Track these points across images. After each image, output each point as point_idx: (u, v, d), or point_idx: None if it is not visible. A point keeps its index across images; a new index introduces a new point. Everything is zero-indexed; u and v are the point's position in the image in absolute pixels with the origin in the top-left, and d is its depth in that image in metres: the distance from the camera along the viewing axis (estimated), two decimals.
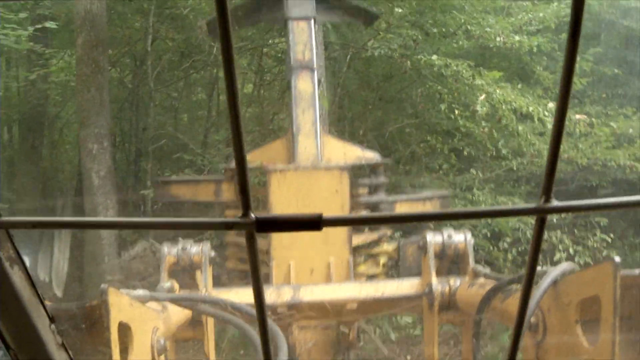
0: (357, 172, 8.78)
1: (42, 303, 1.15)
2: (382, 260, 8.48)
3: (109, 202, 14.72)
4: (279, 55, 19.11)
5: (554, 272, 3.99)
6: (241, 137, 0.85)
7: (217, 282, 8.05)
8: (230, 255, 8.70)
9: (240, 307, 5.33)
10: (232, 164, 8.89)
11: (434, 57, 14.89)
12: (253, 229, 0.87)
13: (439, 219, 0.96)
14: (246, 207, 0.86)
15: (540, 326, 4.09)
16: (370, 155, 8.52)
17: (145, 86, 18.91)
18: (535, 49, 16.21)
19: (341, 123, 17.42)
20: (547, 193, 0.90)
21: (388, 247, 8.57)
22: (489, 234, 14.50)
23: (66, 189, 19.96)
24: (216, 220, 0.89)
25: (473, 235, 12.09)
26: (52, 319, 1.20)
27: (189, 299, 5.40)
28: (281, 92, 19.33)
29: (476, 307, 5.01)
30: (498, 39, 15.63)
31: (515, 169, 15.72)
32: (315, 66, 8.16)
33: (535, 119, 14.77)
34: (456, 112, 15.12)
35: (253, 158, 8.48)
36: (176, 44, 19.31)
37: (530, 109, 14.54)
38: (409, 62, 15.56)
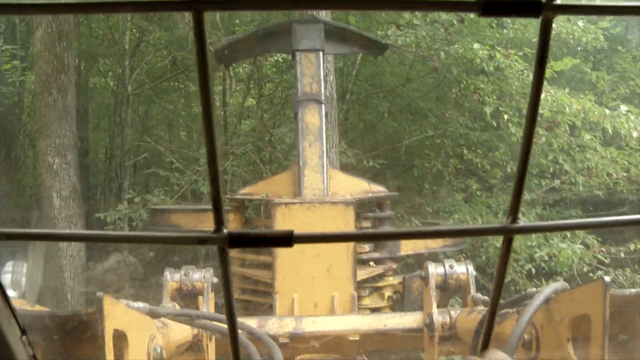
0: (363, 206, 8.78)
1: (14, 314, 1.16)
2: (387, 293, 8.45)
3: (73, 227, 12.51)
4: (280, 63, 18.71)
5: (546, 290, 4.06)
6: (215, 154, 0.86)
7: (219, 311, 8.06)
8: (234, 285, 8.68)
9: (242, 326, 5.37)
10: (237, 194, 8.91)
11: (476, 45, 12.85)
12: (225, 244, 0.88)
13: (408, 237, 0.97)
14: (219, 223, 0.88)
15: (534, 343, 4.13)
16: (377, 189, 8.52)
17: (133, 91, 17.80)
18: (600, 39, 14.19)
19: (350, 134, 16.22)
20: (514, 213, 0.91)
21: (393, 280, 8.55)
22: (534, 271, 12.53)
23: (33, 208, 17.61)
24: (189, 235, 0.90)
25: (515, 271, 11.93)
26: (23, 331, 1.20)
27: (188, 314, 5.41)
28: (281, 104, 19.12)
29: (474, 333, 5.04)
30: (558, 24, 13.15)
31: (580, 188, 13.42)
32: (322, 99, 8.19)
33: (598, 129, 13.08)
34: (505, 116, 13.01)
35: (258, 190, 8.51)
36: (164, 45, 18.14)
37: (595, 114, 12.60)
38: (441, 53, 13.45)
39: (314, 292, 7.33)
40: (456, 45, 13.19)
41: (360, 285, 7.96)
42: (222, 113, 19.76)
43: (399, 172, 15.91)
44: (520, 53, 12.95)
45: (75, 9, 0.82)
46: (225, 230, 0.88)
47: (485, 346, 1.04)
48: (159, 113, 20.40)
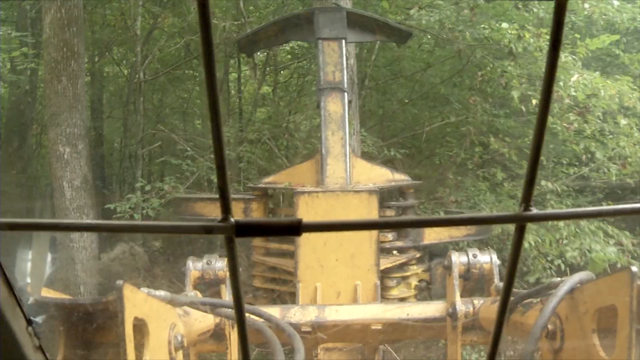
0: (386, 194, 8.76)
1: (20, 305, 1.16)
2: (414, 282, 8.44)
3: (84, 217, 12.13)
4: (295, 50, 18.51)
5: (570, 281, 4.00)
6: (222, 142, 0.85)
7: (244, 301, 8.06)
8: (257, 274, 8.71)
9: (261, 313, 5.37)
10: (260, 183, 8.92)
11: (504, 25, 12.19)
12: (232, 233, 0.87)
13: (421, 225, 0.96)
14: (226, 212, 0.87)
15: (558, 333, 4.07)
16: (400, 177, 8.50)
17: (146, 78, 17.31)
18: (638, 19, 13.39)
19: (369, 121, 15.78)
20: (526, 201, 0.89)
21: (418, 269, 8.53)
22: (563, 267, 11.63)
23: (45, 198, 16.48)
24: (196, 224, 0.89)
25: (544, 268, 11.60)
26: (29, 321, 1.20)
27: (210, 303, 5.42)
28: (297, 91, 18.96)
29: None
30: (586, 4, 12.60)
31: (612, 177, 12.63)
32: (345, 87, 8.17)
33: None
34: (534, 101, 12.24)
35: (281, 179, 8.52)
36: (177, 31, 17.66)
37: (632, 98, 12.02)
38: (467, 34, 12.76)
39: (336, 281, 7.32)
40: (482, 26, 12.76)
41: (386, 275, 7.95)
42: (238, 100, 19.69)
43: (419, 160, 15.66)
44: (546, 30, 12.30)
45: None
46: (232, 219, 0.87)
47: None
48: (173, 101, 20.27)
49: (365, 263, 7.40)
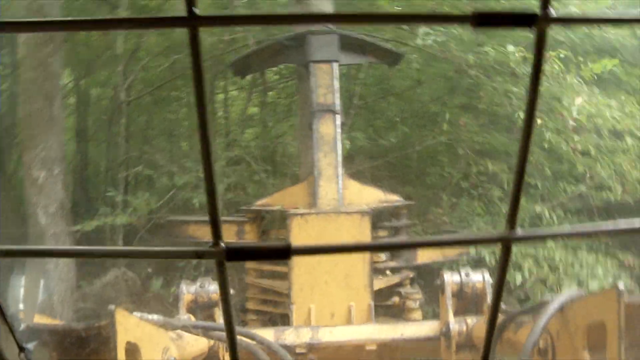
0: (378, 215, 8.77)
1: (12, 331, 1.16)
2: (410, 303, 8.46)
3: (60, 245, 10.89)
4: (283, 71, 18.33)
5: (561, 298, 4.04)
6: (211, 167, 0.86)
7: (237, 323, 8.06)
8: (250, 297, 8.72)
9: (254, 335, 5.36)
10: (252, 205, 8.93)
11: (510, 48, 11.88)
12: (223, 257, 0.88)
13: (407, 247, 0.98)
14: (216, 237, 0.88)
15: (549, 351, 4.10)
16: (393, 198, 8.52)
17: (130, 99, 17.00)
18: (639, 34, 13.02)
19: (358, 140, 15.22)
20: (511, 221, 0.91)
21: (412, 289, 8.55)
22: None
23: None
24: (186, 249, 0.90)
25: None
26: (21, 348, 1.20)
27: (202, 326, 5.42)
28: (285, 112, 18.89)
29: None
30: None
31: (614, 196, 12.05)
32: (337, 109, 8.20)
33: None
34: (539, 121, 11.66)
35: (274, 201, 8.53)
36: (162, 51, 17.34)
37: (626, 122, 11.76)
38: (470, 57, 12.55)
39: (330, 302, 7.32)
40: (486, 48, 12.54)
41: (378, 295, 7.96)
42: (225, 121, 19.59)
43: (410, 180, 15.50)
44: (554, 53, 11.92)
45: (69, 26, 0.83)
46: (222, 244, 0.88)
47: None
48: (159, 123, 20.07)
49: (359, 284, 7.40)
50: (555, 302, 4.00)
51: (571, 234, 1.00)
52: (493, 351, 4.83)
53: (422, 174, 15.21)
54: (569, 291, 4.17)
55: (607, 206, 12.66)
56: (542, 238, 0.98)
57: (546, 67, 11.71)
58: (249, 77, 17.75)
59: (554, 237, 0.99)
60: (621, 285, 3.44)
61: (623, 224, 0.97)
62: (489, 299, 5.94)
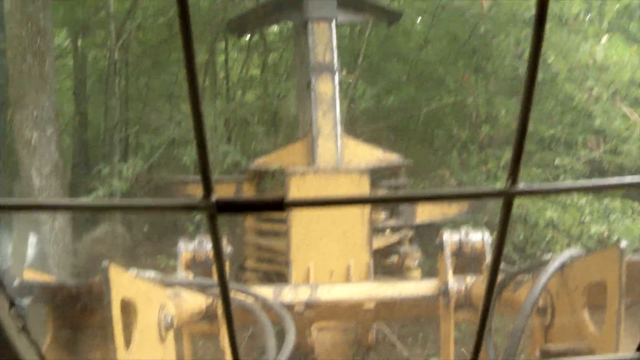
0: (377, 174, 8.76)
1: (2, 287, 1.14)
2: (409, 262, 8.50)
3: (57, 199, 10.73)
4: (284, 32, 18.20)
5: (561, 257, 4.03)
6: (201, 120, 0.84)
7: (235, 281, 8.09)
8: (249, 255, 8.74)
9: (250, 292, 5.39)
10: (252, 165, 8.92)
11: None
12: (214, 211, 0.86)
13: (404, 201, 0.95)
14: (207, 190, 0.86)
15: (549, 310, 4.11)
16: (391, 157, 8.51)
17: (122, 57, 16.84)
18: None
19: (363, 103, 15.50)
20: (513, 176, 0.89)
21: (411, 248, 8.58)
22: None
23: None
24: (177, 203, 0.89)
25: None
26: (12, 303, 1.18)
27: (199, 283, 5.43)
28: (286, 74, 18.79)
29: None
30: None
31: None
32: (336, 68, 8.16)
33: None
34: (551, 56, 11.48)
35: (272, 160, 8.52)
36: (158, 10, 17.10)
37: None
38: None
39: (329, 260, 7.33)
40: None
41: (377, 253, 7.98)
42: (225, 83, 19.48)
43: (416, 142, 15.37)
44: None
45: None
46: (213, 197, 0.86)
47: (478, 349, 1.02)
48: (159, 85, 19.88)
49: (358, 242, 7.41)
50: (555, 261, 3.98)
51: (573, 188, 0.98)
52: (492, 307, 4.84)
53: (428, 137, 15.01)
54: (569, 250, 4.16)
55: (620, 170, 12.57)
56: (544, 192, 0.96)
57: (559, 10, 11.52)
58: (250, 38, 17.69)
59: (556, 191, 0.97)
60: (623, 244, 3.42)
61: (628, 178, 0.95)
62: (488, 258, 5.94)
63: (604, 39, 11.51)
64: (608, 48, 11.47)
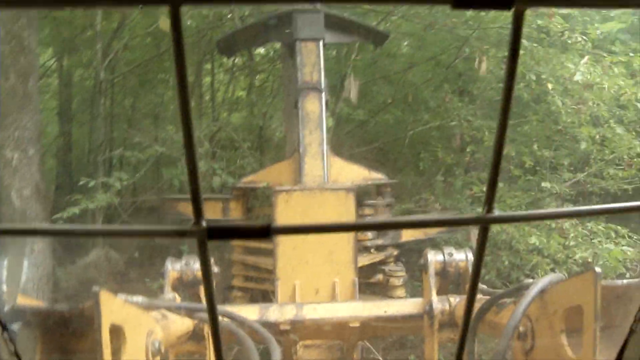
0: (364, 193, 8.79)
1: None
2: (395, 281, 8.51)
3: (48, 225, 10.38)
4: (271, 53, 18.09)
5: (542, 281, 4.06)
6: (193, 145, 0.86)
7: (223, 300, 8.10)
8: (235, 273, 8.75)
9: (238, 317, 5.38)
10: (239, 183, 8.94)
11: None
12: (204, 236, 0.89)
13: (387, 228, 0.98)
14: (198, 216, 0.88)
15: (529, 335, 4.13)
16: (377, 176, 8.55)
17: (108, 77, 16.61)
18: None
19: (349, 125, 15.33)
20: (489, 203, 0.92)
21: (396, 267, 8.60)
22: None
23: None
24: (168, 228, 0.91)
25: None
26: (4, 327, 1.20)
27: (187, 307, 5.43)
28: (272, 96, 18.70)
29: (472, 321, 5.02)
30: None
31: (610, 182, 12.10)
32: (322, 87, 8.20)
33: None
34: (549, 85, 11.52)
35: (259, 178, 8.55)
36: (146, 31, 16.95)
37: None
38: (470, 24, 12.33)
39: (315, 278, 7.34)
40: (482, 13, 12.21)
41: (362, 272, 7.99)
42: (212, 104, 19.38)
43: (402, 166, 15.28)
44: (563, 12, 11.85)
45: (50, 4, 0.82)
46: (204, 223, 0.88)
47: None
48: (145, 106, 19.67)
49: (343, 260, 7.42)
50: (535, 287, 4.01)
51: (548, 215, 1.01)
52: (472, 329, 4.88)
53: (414, 159, 14.94)
54: (549, 275, 4.19)
55: (603, 192, 12.54)
56: (520, 220, 1.00)
57: (549, 25, 11.69)
58: (236, 60, 17.68)
59: (531, 218, 1.00)
60: (598, 269, 3.47)
61: (598, 207, 0.99)
62: None
63: (585, 59, 11.55)
64: (589, 68, 11.58)
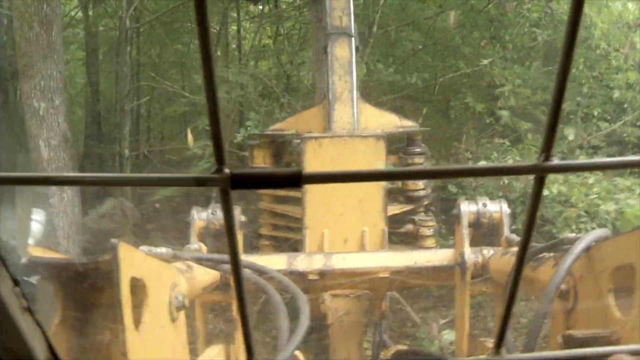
0: (398, 141, 8.71)
1: (5, 264, 1.09)
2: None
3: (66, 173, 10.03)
4: (297, 1, 18.15)
5: (587, 238, 3.88)
6: (214, 86, 0.79)
7: (251, 249, 8.09)
8: (263, 222, 8.73)
9: (263, 269, 5.33)
10: (266, 130, 8.89)
11: None
12: (227, 185, 0.82)
13: (434, 177, 0.91)
14: (220, 162, 0.82)
15: (572, 293, 3.97)
16: (408, 123, 8.45)
17: (137, 27, 16.78)
18: None
19: (378, 72, 14.59)
20: (547, 151, 0.85)
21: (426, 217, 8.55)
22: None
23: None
24: (188, 176, 0.85)
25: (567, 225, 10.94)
26: (15, 281, 1.13)
27: (212, 259, 5.39)
28: (299, 43, 18.65)
29: (507, 276, 4.92)
30: None
31: None
32: (353, 32, 8.09)
33: None
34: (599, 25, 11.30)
35: (288, 125, 8.49)
36: None
37: None
38: None
39: (344, 227, 7.30)
40: None
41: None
42: (237, 53, 19.35)
43: (435, 112, 15.12)
44: None
45: None
46: (227, 170, 0.80)
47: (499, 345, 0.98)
48: (171, 55, 19.85)
49: (373, 209, 7.37)
50: (581, 243, 3.82)
51: (606, 165, 0.94)
52: (518, 288, 4.77)
53: (444, 107, 14.81)
54: (595, 231, 4.01)
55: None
56: (578, 169, 0.93)
57: None
58: (263, 8, 17.57)
59: (589, 168, 0.94)
60: None
61: None
62: (505, 230, 5.87)
63: None
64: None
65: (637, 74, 11.56)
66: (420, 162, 8.44)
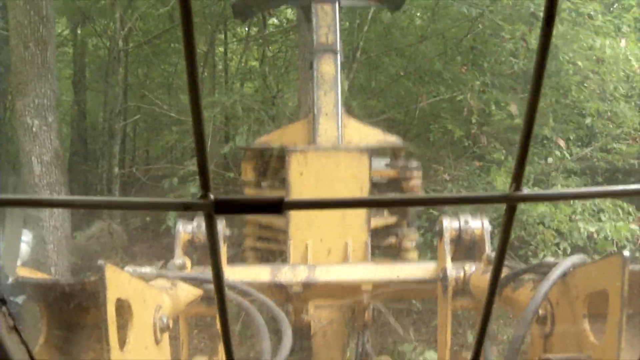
0: (378, 155, 8.76)
1: None
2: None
3: (55, 195, 11.11)
4: (284, 24, 18.21)
5: (564, 264, 3.93)
6: (201, 115, 0.83)
7: (235, 260, 8.10)
8: (248, 234, 8.76)
9: (246, 291, 5.33)
10: (252, 145, 8.92)
11: None
12: (212, 210, 0.85)
13: (411, 204, 0.94)
14: (205, 188, 0.85)
15: (549, 318, 4.04)
16: (392, 139, 8.50)
17: (127, 48, 16.91)
18: None
19: (360, 96, 15.20)
20: (517, 181, 0.89)
21: (409, 230, 8.59)
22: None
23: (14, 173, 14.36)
24: (174, 201, 0.88)
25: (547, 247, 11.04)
26: (3, 301, 1.16)
27: (197, 278, 5.40)
28: (285, 66, 18.68)
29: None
30: None
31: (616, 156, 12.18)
32: (338, 49, 8.15)
33: None
34: (579, 63, 11.57)
35: (273, 138, 8.52)
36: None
37: None
38: None
39: (327, 239, 7.34)
40: None
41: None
42: (224, 74, 19.42)
43: (411, 138, 15.17)
44: None
45: None
46: (211, 196, 0.84)
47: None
48: (158, 75, 20.04)
49: (356, 221, 7.42)
50: (558, 269, 3.88)
51: (577, 195, 0.97)
52: (492, 309, 4.82)
53: (424, 131, 14.92)
54: (572, 257, 4.06)
55: (610, 167, 12.55)
56: (548, 199, 0.96)
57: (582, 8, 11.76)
58: (250, 30, 17.64)
59: (559, 198, 0.97)
60: (626, 253, 3.37)
61: (632, 186, 0.94)
62: (487, 246, 5.92)
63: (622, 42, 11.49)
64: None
65: (604, 103, 11.80)
66: (418, 176, 8.48)
